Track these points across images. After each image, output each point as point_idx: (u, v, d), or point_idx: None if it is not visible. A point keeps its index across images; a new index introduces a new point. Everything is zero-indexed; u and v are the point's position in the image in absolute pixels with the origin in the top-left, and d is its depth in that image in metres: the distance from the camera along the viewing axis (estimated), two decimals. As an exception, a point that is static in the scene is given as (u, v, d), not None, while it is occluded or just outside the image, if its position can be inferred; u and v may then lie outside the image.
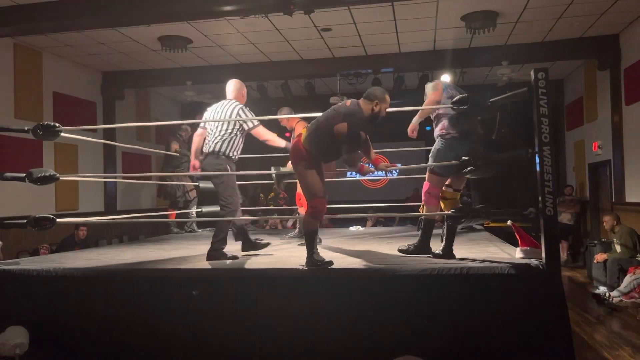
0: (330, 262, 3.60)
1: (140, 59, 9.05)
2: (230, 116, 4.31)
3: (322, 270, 3.55)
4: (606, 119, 8.72)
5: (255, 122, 4.33)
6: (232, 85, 4.65)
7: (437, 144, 4.03)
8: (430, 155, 4.12)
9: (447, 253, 3.82)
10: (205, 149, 4.37)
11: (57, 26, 6.88)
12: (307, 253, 3.63)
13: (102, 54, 8.66)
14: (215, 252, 4.18)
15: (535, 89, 3.42)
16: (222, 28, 7.56)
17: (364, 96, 3.70)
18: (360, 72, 9.42)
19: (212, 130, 4.35)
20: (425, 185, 4.12)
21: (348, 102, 3.72)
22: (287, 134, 5.66)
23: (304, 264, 3.61)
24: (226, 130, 4.30)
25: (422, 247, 4.01)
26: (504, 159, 3.92)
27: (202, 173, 4.53)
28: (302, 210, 5.68)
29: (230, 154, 4.31)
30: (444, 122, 4.02)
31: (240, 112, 4.34)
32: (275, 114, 5.68)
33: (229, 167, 4.30)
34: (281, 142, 4.46)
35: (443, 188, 4.24)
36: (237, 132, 4.33)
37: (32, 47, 7.97)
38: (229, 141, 4.30)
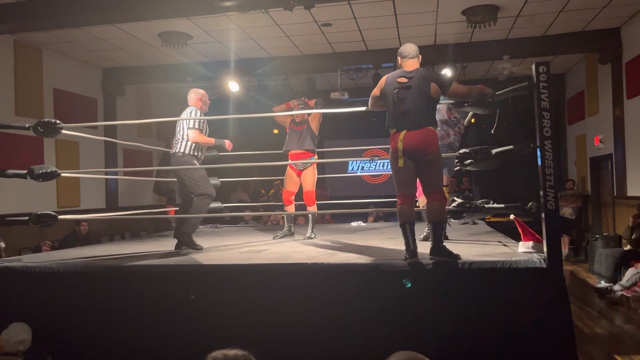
0: (458, 256, 3.50)
1: (140, 55, 9.04)
2: (183, 121, 4.82)
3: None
4: (607, 113, 8.70)
5: (191, 125, 4.77)
6: (190, 94, 5.07)
7: None
8: None
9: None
10: (173, 151, 4.87)
11: (57, 23, 6.86)
12: (437, 243, 3.56)
13: (103, 50, 8.65)
14: (186, 236, 4.65)
15: (537, 83, 3.42)
16: (222, 24, 7.54)
17: (415, 55, 3.81)
18: (361, 67, 9.40)
19: (176, 135, 4.89)
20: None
21: (415, 67, 3.74)
22: (287, 129, 5.64)
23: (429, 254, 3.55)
24: (180, 133, 4.83)
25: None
26: (504, 153, 3.92)
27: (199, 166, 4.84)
28: (289, 209, 5.67)
29: (194, 153, 4.81)
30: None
31: (189, 113, 4.84)
32: (272, 111, 5.71)
33: (196, 163, 4.81)
34: (210, 140, 4.92)
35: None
36: (186, 134, 4.80)
37: (32, 43, 7.96)
38: (187, 141, 4.79)
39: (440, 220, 3.61)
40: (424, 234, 4.92)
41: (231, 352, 1.24)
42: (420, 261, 3.48)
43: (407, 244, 3.57)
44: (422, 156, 3.57)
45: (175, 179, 7.03)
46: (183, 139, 4.81)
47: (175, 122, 5.03)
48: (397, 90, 3.64)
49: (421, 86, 3.62)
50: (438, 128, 4.55)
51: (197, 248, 4.67)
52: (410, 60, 3.79)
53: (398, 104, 3.62)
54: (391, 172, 3.77)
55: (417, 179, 3.75)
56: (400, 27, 7.86)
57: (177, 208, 6.85)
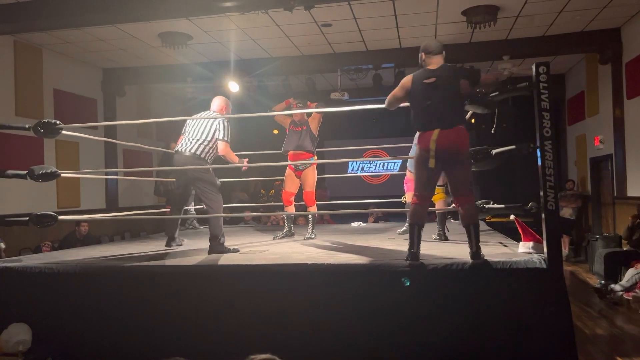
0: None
1: (140, 56, 9.04)
2: (211, 124, 4.67)
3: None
4: (608, 113, 8.70)
5: (225, 137, 4.66)
6: (218, 100, 4.99)
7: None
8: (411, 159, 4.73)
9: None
10: (181, 149, 4.69)
11: (58, 23, 6.86)
12: (478, 246, 3.45)
13: (103, 51, 8.65)
14: (219, 246, 4.43)
15: (537, 83, 3.41)
16: (222, 24, 7.54)
17: (440, 51, 3.66)
18: (361, 67, 9.40)
19: (193, 135, 4.69)
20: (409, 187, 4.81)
21: (440, 63, 3.61)
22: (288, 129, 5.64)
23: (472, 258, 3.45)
24: (205, 137, 4.66)
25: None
26: (504, 153, 3.91)
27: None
28: (289, 209, 5.67)
29: (207, 158, 4.69)
30: None
31: (221, 122, 4.68)
32: (273, 110, 5.72)
33: (210, 169, 4.71)
34: (235, 159, 4.79)
35: None
36: (213, 139, 4.66)
37: (32, 44, 7.97)
38: (206, 145, 4.65)
39: (477, 222, 3.52)
40: (436, 233, 5.02)
41: (259, 357, 1.24)
42: (421, 263, 3.48)
43: (412, 246, 3.51)
44: (454, 156, 3.48)
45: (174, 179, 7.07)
46: (203, 141, 4.62)
47: (180, 120, 4.99)
48: (425, 89, 3.53)
49: (451, 84, 3.53)
50: None
51: (233, 251, 4.47)
52: (436, 57, 3.63)
53: (427, 103, 3.52)
54: (414, 172, 3.64)
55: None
56: (400, 27, 7.86)
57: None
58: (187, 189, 4.95)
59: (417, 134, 4.68)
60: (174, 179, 7.07)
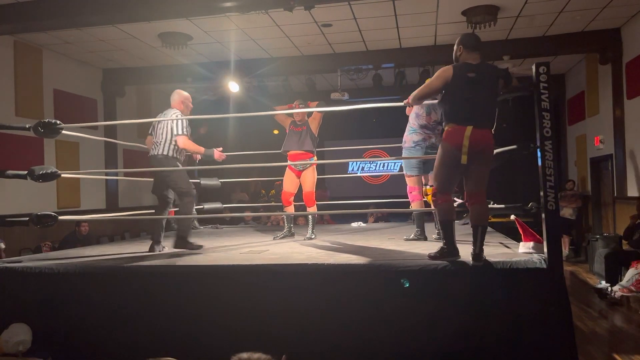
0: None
1: (140, 56, 9.04)
2: (169, 123, 4.74)
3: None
4: (608, 113, 8.70)
5: (180, 131, 4.71)
6: (174, 96, 4.97)
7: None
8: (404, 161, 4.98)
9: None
10: (154, 152, 4.79)
11: (58, 23, 6.86)
12: (481, 249, 3.41)
13: (103, 51, 8.65)
14: (182, 240, 4.66)
15: (537, 83, 3.41)
16: (222, 24, 7.54)
17: (481, 47, 3.62)
18: (361, 67, 9.40)
19: (159, 138, 4.79)
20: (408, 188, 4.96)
21: (479, 60, 3.55)
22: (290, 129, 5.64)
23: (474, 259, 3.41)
24: (167, 137, 4.74)
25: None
26: (505, 153, 3.92)
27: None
28: (288, 209, 5.68)
29: (176, 155, 4.78)
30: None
31: (176, 118, 4.73)
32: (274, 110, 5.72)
33: (179, 165, 4.82)
34: (200, 149, 4.88)
35: (424, 187, 4.83)
36: (172, 137, 4.74)
37: (32, 44, 7.96)
38: (172, 144, 4.74)
39: (486, 225, 3.49)
40: (436, 233, 5.00)
41: (255, 355, 1.25)
42: (419, 261, 3.48)
43: (452, 243, 3.49)
44: (482, 155, 3.45)
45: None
46: (166, 141, 4.73)
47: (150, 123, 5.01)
48: (467, 83, 3.45)
49: (491, 82, 3.49)
50: (419, 132, 4.86)
51: (195, 248, 4.68)
52: (475, 53, 3.54)
53: (469, 99, 3.44)
54: (439, 167, 3.55)
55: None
56: (401, 27, 7.86)
57: (177, 209, 6.86)
58: (162, 191, 4.89)
59: (413, 134, 4.73)
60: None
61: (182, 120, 4.74)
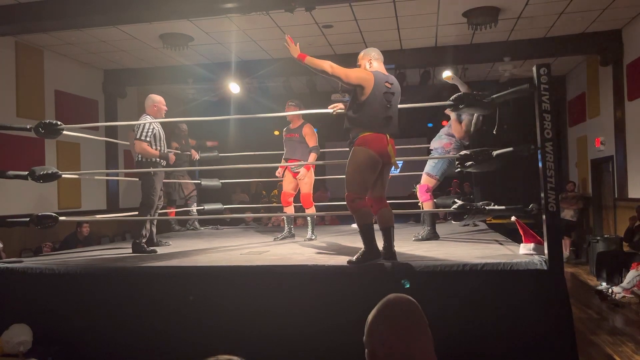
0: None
1: (141, 57, 9.05)
2: (136, 127, 4.84)
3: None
4: (609, 115, 8.70)
5: (137, 136, 4.77)
6: (146, 101, 5.07)
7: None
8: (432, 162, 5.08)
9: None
10: (137, 158, 4.91)
11: (59, 24, 6.87)
12: (392, 245, 3.70)
13: (104, 52, 8.66)
14: (137, 245, 4.66)
15: (538, 85, 3.41)
16: (223, 25, 7.55)
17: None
18: (362, 68, 9.39)
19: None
20: (424, 186, 5.05)
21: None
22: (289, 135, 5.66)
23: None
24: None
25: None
26: (505, 155, 3.91)
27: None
28: (288, 210, 5.69)
29: (144, 159, 4.84)
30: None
31: (140, 123, 4.83)
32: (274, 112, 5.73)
33: (157, 168, 4.88)
34: (155, 153, 4.88)
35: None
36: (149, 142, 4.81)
37: (33, 45, 7.98)
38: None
39: (393, 224, 3.70)
40: (425, 232, 5.09)
41: (223, 357, 1.24)
42: (421, 262, 3.48)
43: (374, 246, 3.56)
44: (389, 163, 3.71)
45: (176, 181, 7.11)
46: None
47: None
48: (385, 93, 3.64)
49: (399, 95, 3.76)
50: (443, 136, 5.23)
51: (148, 252, 4.65)
52: (382, 64, 3.89)
53: (386, 107, 3.63)
54: (358, 172, 3.58)
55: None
56: (401, 29, 7.86)
57: (177, 209, 6.88)
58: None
59: (444, 135, 5.18)
60: (174, 180, 7.12)
61: (143, 125, 4.80)
